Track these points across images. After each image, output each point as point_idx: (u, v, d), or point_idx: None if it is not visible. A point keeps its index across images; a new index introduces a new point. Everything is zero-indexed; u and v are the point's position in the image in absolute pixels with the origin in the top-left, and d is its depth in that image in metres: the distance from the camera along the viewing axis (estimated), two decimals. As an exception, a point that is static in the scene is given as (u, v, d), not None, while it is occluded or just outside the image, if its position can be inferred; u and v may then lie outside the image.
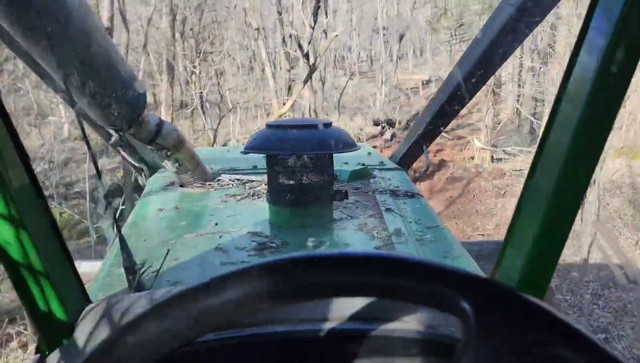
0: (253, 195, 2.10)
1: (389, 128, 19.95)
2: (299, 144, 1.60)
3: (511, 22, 1.66)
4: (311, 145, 1.60)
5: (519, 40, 1.79)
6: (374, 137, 19.55)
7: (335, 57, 41.12)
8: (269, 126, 1.70)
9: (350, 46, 39.39)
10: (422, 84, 31.22)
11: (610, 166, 11.87)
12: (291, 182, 1.68)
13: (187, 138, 2.09)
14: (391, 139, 18.21)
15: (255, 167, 2.53)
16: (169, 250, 1.47)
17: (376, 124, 20.26)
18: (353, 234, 1.71)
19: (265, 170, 1.80)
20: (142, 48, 15.76)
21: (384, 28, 28.24)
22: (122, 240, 1.20)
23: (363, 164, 2.48)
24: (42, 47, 1.10)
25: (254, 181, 2.30)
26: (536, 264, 0.85)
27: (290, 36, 15.72)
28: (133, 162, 2.34)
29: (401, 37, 28.98)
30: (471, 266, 1.47)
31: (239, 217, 1.86)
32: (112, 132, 1.65)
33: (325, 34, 15.80)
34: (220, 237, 1.68)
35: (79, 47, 1.19)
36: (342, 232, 1.73)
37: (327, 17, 20.45)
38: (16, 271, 0.82)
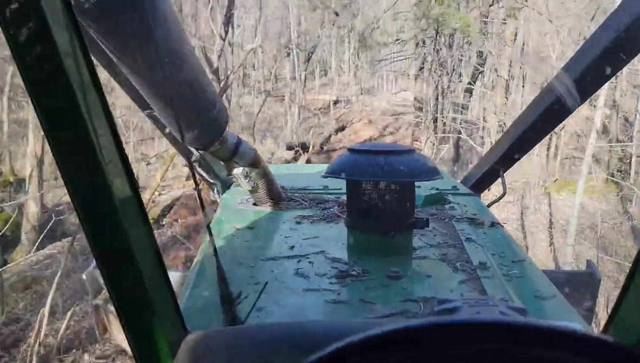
0: (327, 217, 2.08)
1: (304, 152, 18.46)
2: (382, 170, 1.56)
3: (610, 47, 1.56)
4: (394, 172, 1.56)
5: (617, 67, 1.69)
6: (288, 163, 17.92)
7: (243, 74, 39.30)
8: (351, 151, 1.68)
9: (255, 63, 37.98)
10: (332, 104, 30.43)
11: None
12: (372, 209, 1.66)
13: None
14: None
15: (326, 187, 2.52)
16: (267, 283, 1.37)
17: (290, 148, 18.64)
18: (434, 265, 1.68)
19: (338, 191, 2.03)
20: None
21: (287, 47, 26.87)
22: (220, 268, 1.15)
23: (437, 189, 2.42)
24: (135, 68, 1.16)
25: (327, 202, 2.28)
26: None
27: (195, 49, 13.72)
28: (208, 179, 2.35)
29: (309, 56, 27.97)
30: (567, 308, 1.43)
31: (315, 241, 1.85)
32: (193, 150, 1.73)
33: (231, 46, 13.96)
34: (299, 261, 1.67)
35: (170, 69, 1.21)
36: (424, 262, 1.70)
37: (232, 29, 18.59)
38: (122, 300, 0.81)
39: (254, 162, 2.02)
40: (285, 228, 2.00)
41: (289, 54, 26.88)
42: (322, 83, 41.96)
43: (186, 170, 10.35)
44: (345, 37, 43.70)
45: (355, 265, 1.61)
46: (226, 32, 9.67)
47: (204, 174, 2.34)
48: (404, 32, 12.86)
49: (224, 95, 21.56)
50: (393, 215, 1.67)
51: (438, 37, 10.99)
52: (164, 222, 10.04)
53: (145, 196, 9.23)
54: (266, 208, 2.22)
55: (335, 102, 32.56)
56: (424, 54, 12.34)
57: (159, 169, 9.01)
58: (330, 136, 23.47)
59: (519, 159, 2.41)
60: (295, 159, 18.18)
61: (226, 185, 2.56)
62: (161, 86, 1.23)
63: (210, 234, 1.17)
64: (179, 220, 9.85)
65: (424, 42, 12.06)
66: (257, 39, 10.08)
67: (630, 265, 0.80)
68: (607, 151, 14.95)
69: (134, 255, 0.79)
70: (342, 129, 26.44)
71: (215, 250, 1.13)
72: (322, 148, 20.79)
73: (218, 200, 2.51)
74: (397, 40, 12.39)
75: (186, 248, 9.18)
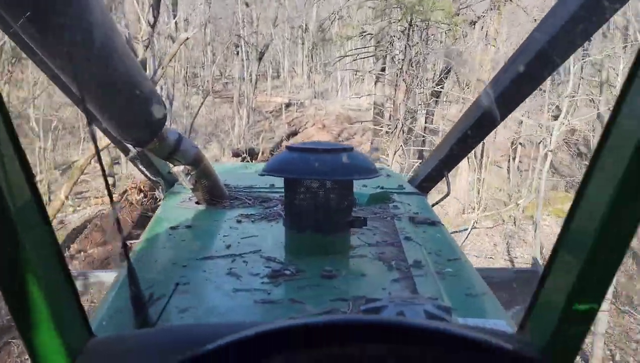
0: (269, 216, 2.05)
1: (252, 159, 16.78)
2: (319, 168, 1.55)
3: (545, 48, 1.58)
4: (332, 170, 1.56)
5: (552, 67, 1.71)
6: (234, 171, 16.25)
7: (187, 73, 37.22)
8: (289, 149, 1.66)
9: (204, 62, 35.98)
10: (284, 107, 28.90)
11: None
12: (309, 207, 1.64)
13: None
14: (255, 174, 15.09)
15: (272, 186, 2.48)
16: (177, 284, 1.43)
17: (236, 154, 16.90)
18: (371, 264, 1.66)
19: (283, 190, 1.83)
20: None
21: (236, 45, 25.12)
22: (131, 270, 1.08)
23: (382, 187, 2.45)
24: (62, 60, 1.12)
25: (271, 201, 2.25)
26: (570, 324, 0.78)
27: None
28: (150, 176, 2.31)
29: (261, 56, 26.32)
30: (494, 306, 1.47)
31: (253, 240, 1.83)
32: (130, 146, 1.67)
33: (172, 39, 12.13)
34: (233, 260, 1.65)
35: (99, 63, 1.19)
36: (360, 260, 1.69)
37: (174, 19, 16.70)
38: (16, 303, 0.77)
39: (196, 160, 1.93)
40: (225, 227, 1.95)
41: (238, 53, 25.07)
42: (275, 85, 40.48)
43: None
44: (298, 37, 42.45)
45: (290, 265, 1.59)
46: (155, 18, 7.90)
47: (145, 171, 2.24)
48: (369, 25, 11.25)
49: (165, 93, 19.46)
50: (330, 214, 1.64)
51: (412, 30, 9.65)
52: (66, 254, 8.16)
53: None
54: (208, 207, 2.17)
55: (288, 105, 31.17)
56: (391, 50, 10.88)
57: (66, 182, 7.19)
58: (281, 141, 21.89)
59: (461, 159, 2.47)
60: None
61: (169, 183, 2.50)
62: (90, 80, 1.20)
63: (120, 231, 1.05)
64: (87, 249, 8.01)
65: (391, 37, 10.63)
66: (192, 28, 8.36)
67: (545, 263, 0.85)
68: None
69: (29, 256, 0.76)
70: (295, 133, 24.93)
71: (126, 248, 1.02)
72: (272, 154, 19.18)
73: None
74: (363, 33, 10.81)
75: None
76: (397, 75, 10.42)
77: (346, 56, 12.78)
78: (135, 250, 1.75)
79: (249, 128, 22.10)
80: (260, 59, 26.60)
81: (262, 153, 17.95)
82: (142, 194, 8.56)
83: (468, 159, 11.74)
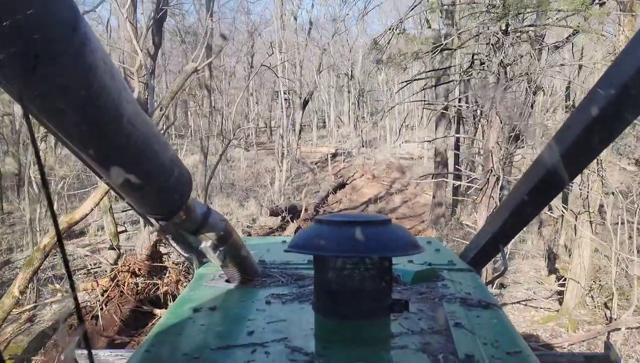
0: (302, 296, 1.88)
1: (292, 219, 14.51)
2: (352, 244, 1.38)
3: (604, 116, 1.38)
4: (367, 246, 1.39)
5: (612, 136, 1.56)
6: (271, 233, 13.86)
7: (226, 124, 36.44)
8: (318, 221, 1.51)
9: (247, 113, 35.11)
10: (330, 157, 26.90)
11: None
12: (342, 289, 1.47)
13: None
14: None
15: (310, 262, 2.21)
16: None
17: (274, 213, 14.67)
18: (414, 356, 1.44)
19: None
20: None
21: (285, 92, 23.54)
22: None
23: (429, 264, 2.25)
24: (79, 139, 1.05)
25: (306, 279, 2.08)
26: None
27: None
28: (181, 252, 2.06)
29: (305, 103, 24.71)
30: None
31: (280, 325, 1.64)
32: (153, 221, 1.56)
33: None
34: (254, 351, 1.48)
35: (113, 134, 1.06)
36: (400, 353, 1.47)
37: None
38: None
39: (226, 234, 1.83)
40: (252, 309, 1.80)
41: (286, 100, 23.47)
42: (320, 135, 39.05)
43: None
44: (344, 86, 41.24)
45: (319, 357, 1.41)
46: (157, 46, 5.97)
47: (175, 246, 1.96)
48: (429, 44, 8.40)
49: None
50: (365, 297, 1.47)
51: (507, 38, 6.95)
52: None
53: None
54: (238, 286, 2.05)
55: (334, 156, 29.25)
56: (463, 75, 8.26)
57: (23, 271, 5.15)
58: (327, 195, 19.63)
59: (520, 229, 2.30)
60: (281, 228, 14.19)
61: (202, 259, 2.28)
62: (103, 153, 1.10)
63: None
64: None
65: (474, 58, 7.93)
66: (201, 52, 6.34)
67: None
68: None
69: None
70: (342, 186, 22.64)
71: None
72: (316, 211, 16.86)
73: None
74: (438, 47, 8.04)
75: None
76: (476, 109, 7.86)
77: (406, 82, 10.24)
78: (149, 336, 1.61)
79: (291, 181, 20.03)
80: (304, 107, 24.95)
81: (306, 210, 15.69)
82: (137, 279, 6.45)
83: (592, 222, 8.79)
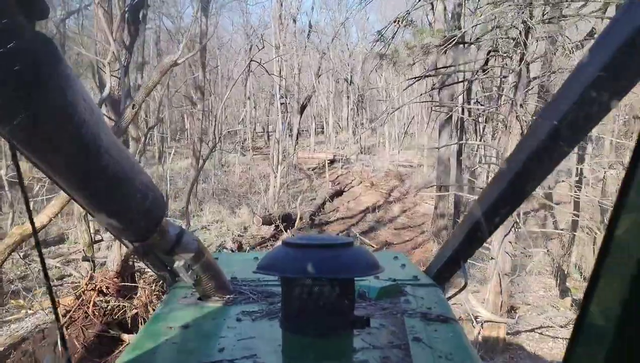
0: (272, 313, 1.94)
1: (286, 229, 13.76)
2: (315, 266, 1.45)
3: (561, 126, 1.41)
4: (328, 268, 1.47)
5: (572, 145, 1.52)
6: (263, 243, 13.09)
7: (220, 129, 35.73)
8: (285, 244, 1.58)
9: (244, 117, 34.37)
10: (327, 164, 26.20)
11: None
12: (307, 308, 1.54)
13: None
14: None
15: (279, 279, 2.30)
16: None
17: (267, 222, 13.91)
18: None
19: None
20: None
21: (282, 95, 22.85)
22: None
23: (394, 280, 2.33)
24: (58, 170, 1.11)
25: (276, 296, 2.12)
26: None
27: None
28: (154, 271, 2.24)
29: (303, 108, 24.05)
30: None
31: (250, 342, 1.71)
32: (127, 243, 1.66)
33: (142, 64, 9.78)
34: None
35: (96, 168, 1.15)
36: None
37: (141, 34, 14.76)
38: None
39: (198, 254, 1.87)
40: (223, 327, 1.85)
41: (282, 103, 22.77)
42: (318, 141, 38.34)
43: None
44: (343, 92, 40.60)
45: None
46: (133, 36, 5.26)
47: (149, 265, 2.12)
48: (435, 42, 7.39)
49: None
50: (329, 315, 1.55)
51: (531, 34, 6.17)
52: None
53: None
54: (210, 304, 2.08)
55: (332, 162, 28.60)
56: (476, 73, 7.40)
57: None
58: (324, 203, 18.90)
59: (481, 244, 2.29)
60: (275, 237, 13.44)
61: (174, 277, 2.31)
62: (81, 184, 1.17)
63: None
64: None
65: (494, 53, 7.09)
66: (181, 48, 5.72)
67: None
68: None
69: None
70: (340, 193, 21.93)
71: None
72: (312, 220, 16.13)
73: None
74: (450, 40, 7.15)
75: None
76: (491, 111, 7.02)
77: (414, 79, 9.33)
78: (123, 354, 1.64)
79: (287, 188, 19.29)
80: (302, 112, 24.28)
81: (301, 218, 14.96)
82: (104, 298, 5.68)
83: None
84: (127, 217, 1.41)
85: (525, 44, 6.18)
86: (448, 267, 2.37)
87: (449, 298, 2.41)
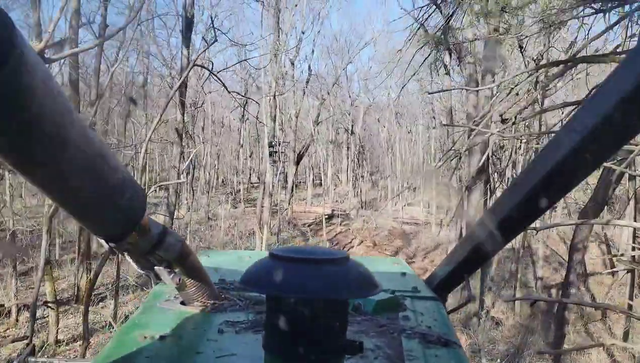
0: (257, 325, 1.82)
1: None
2: (304, 283, 1.27)
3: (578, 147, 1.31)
4: (319, 287, 1.28)
5: (588, 171, 1.47)
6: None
7: (216, 178, 33.61)
8: (272, 256, 1.36)
9: (236, 166, 32.42)
10: (325, 219, 23.85)
11: None
12: (292, 329, 1.38)
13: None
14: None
15: None
16: None
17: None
18: None
19: None
20: None
21: (275, 143, 20.80)
22: None
23: (393, 291, 2.21)
24: (19, 165, 1.03)
25: (263, 304, 1.89)
26: None
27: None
28: (138, 269, 2.02)
29: (300, 158, 22.00)
30: None
31: (229, 360, 1.60)
32: (103, 243, 1.51)
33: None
34: None
35: (61, 163, 1.06)
36: None
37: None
38: None
39: (181, 257, 1.76)
40: (203, 340, 1.74)
41: (275, 152, 20.72)
42: (316, 193, 36.24)
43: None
44: (343, 143, 38.89)
45: None
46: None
47: (131, 261, 1.90)
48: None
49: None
50: (318, 338, 1.39)
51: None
52: None
53: None
54: (193, 310, 1.96)
55: (330, 217, 26.26)
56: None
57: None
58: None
59: (484, 263, 2.29)
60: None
61: (159, 278, 2.19)
62: (47, 179, 1.08)
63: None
64: None
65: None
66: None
67: None
68: None
69: None
70: (338, 254, 19.40)
71: None
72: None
73: None
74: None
75: None
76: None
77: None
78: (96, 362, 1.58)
79: (277, 247, 16.86)
80: (298, 162, 22.21)
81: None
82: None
83: None
84: (101, 216, 1.34)
85: None
86: (451, 280, 2.29)
87: (450, 312, 2.28)
